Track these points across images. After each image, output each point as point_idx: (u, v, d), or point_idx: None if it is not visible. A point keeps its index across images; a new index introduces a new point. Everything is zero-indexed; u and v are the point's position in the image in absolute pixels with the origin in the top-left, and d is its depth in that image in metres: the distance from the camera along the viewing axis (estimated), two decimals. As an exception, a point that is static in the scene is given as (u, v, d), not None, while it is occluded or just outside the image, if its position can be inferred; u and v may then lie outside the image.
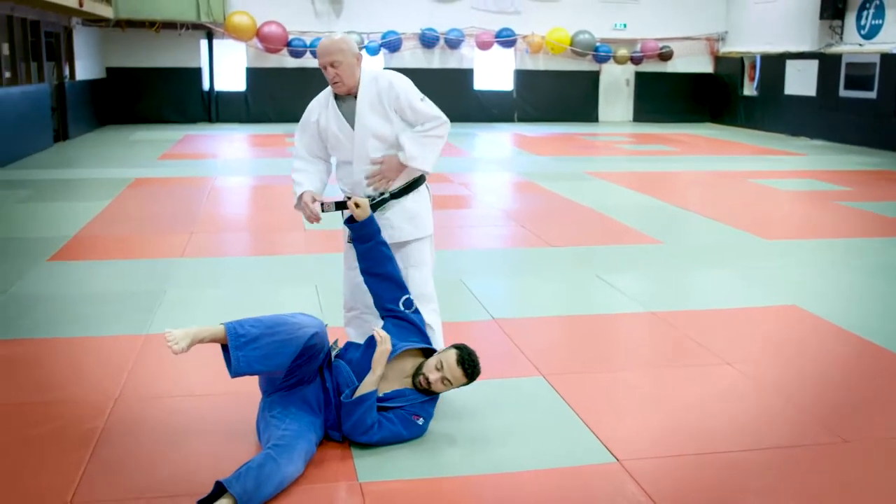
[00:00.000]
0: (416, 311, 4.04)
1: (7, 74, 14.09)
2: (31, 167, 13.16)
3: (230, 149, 16.45)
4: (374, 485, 3.44)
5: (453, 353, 3.78)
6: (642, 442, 3.84)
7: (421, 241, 4.25)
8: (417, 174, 4.21)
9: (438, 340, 4.28)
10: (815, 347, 5.26)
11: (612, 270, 6.96)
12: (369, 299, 4.17)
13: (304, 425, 3.54)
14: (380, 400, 3.72)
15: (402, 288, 4.02)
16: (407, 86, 4.11)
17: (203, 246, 7.82)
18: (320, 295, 6.18)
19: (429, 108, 4.13)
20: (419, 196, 4.26)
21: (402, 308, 3.99)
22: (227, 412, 4.11)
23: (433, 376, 3.74)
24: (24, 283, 6.50)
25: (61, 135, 16.95)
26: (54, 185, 11.45)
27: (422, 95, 4.15)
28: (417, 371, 3.82)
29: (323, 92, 4.26)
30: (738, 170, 13.70)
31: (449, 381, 3.76)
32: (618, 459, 3.65)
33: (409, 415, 3.76)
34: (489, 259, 7.55)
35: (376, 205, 4.12)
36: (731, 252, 7.83)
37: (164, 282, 6.51)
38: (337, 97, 4.16)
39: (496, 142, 18.44)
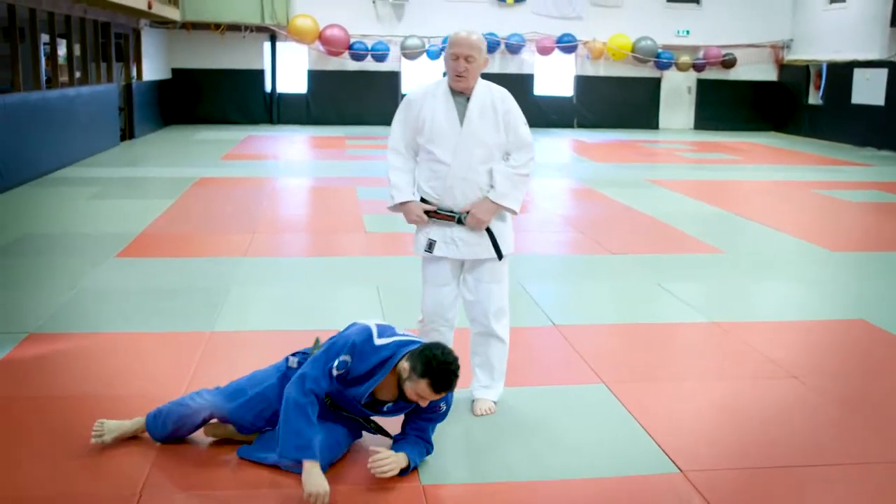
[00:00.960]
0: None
1: (78, 74, 14.47)
2: (98, 165, 13.48)
3: (291, 150, 16.66)
4: (436, 488, 3.46)
5: (424, 385, 3.38)
6: (706, 453, 3.80)
7: (506, 258, 4.17)
8: None
9: (503, 356, 4.27)
10: (885, 363, 5.15)
11: (674, 279, 6.90)
12: (451, 314, 4.21)
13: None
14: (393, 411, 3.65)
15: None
16: (516, 106, 4.06)
17: (265, 246, 7.94)
18: (381, 296, 6.23)
19: (528, 136, 4.06)
20: (503, 214, 4.15)
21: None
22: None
23: (420, 401, 3.48)
24: (94, 277, 6.66)
25: (128, 134, 17.34)
26: (121, 183, 11.72)
27: (524, 120, 4.08)
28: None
29: (431, 84, 4.13)
30: (802, 179, 13.47)
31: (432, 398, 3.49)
32: (681, 470, 3.62)
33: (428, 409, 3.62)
34: (550, 265, 7.53)
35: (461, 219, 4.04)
36: (795, 263, 7.71)
37: (228, 280, 6.62)
38: (452, 93, 4.04)
39: (555, 148, 18.37)
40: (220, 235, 8.37)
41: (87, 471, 3.55)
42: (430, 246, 4.09)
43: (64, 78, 14.27)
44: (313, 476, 3.29)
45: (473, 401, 4.23)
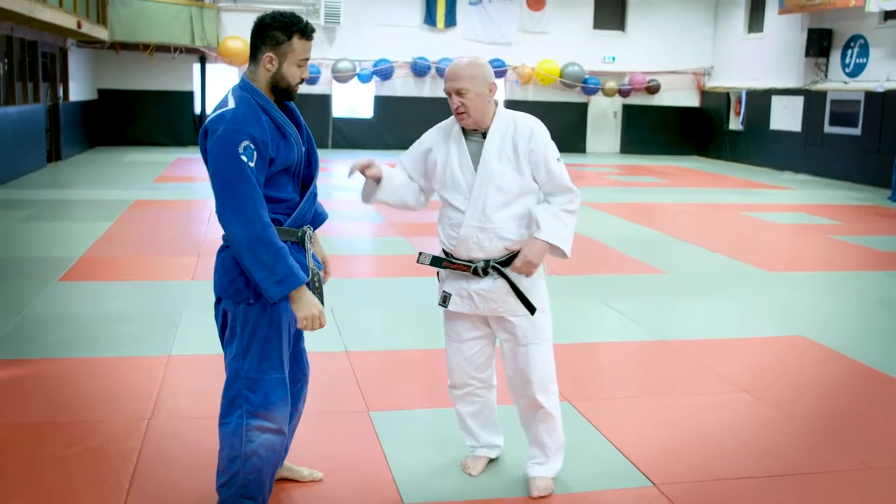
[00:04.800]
0: None
1: (3, 94, 14.11)
2: (27, 187, 13.16)
3: (224, 172, 16.45)
4: (417, 506, 3.51)
5: (297, 41, 3.11)
6: (676, 466, 3.93)
7: (540, 315, 3.59)
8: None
9: (555, 430, 3.70)
10: (827, 376, 5.39)
11: (620, 298, 7.08)
12: (485, 373, 3.73)
13: None
14: None
15: None
16: (548, 139, 3.48)
17: (212, 269, 7.84)
18: (336, 318, 6.23)
19: (564, 175, 3.49)
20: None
21: None
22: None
23: (302, 72, 3.19)
24: (39, 302, 6.52)
25: (54, 155, 16.94)
26: (54, 206, 11.45)
27: (559, 154, 3.51)
28: None
29: (448, 121, 3.61)
30: (729, 202, 13.93)
31: None
32: (654, 483, 3.73)
33: None
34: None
35: (490, 268, 3.50)
36: (734, 283, 7.97)
37: (179, 303, 6.55)
38: (465, 132, 3.53)
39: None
40: (164, 258, 8.27)
41: (59, 496, 3.49)
42: (444, 300, 3.59)
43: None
44: (304, 300, 3.07)
45: (529, 479, 3.68)
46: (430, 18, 21.92)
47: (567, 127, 23.33)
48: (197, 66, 21.16)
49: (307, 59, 3.15)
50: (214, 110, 3.10)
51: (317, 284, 3.21)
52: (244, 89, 3.12)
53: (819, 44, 18.87)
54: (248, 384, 3.12)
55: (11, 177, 13.71)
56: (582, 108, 23.46)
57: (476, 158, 3.48)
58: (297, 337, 3.40)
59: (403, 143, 19.35)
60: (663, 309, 6.99)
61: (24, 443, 4.02)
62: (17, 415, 4.39)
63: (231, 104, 3.06)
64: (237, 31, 20.49)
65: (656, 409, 4.69)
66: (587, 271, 8.18)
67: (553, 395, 3.66)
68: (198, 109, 21.38)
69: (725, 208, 13.24)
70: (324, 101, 21.68)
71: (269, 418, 3.14)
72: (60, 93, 17.62)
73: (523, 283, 3.50)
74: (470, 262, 3.50)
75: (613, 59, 23.09)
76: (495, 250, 3.47)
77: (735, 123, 22.42)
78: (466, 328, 3.64)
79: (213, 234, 9.72)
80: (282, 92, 3.14)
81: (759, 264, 8.72)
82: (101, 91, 20.65)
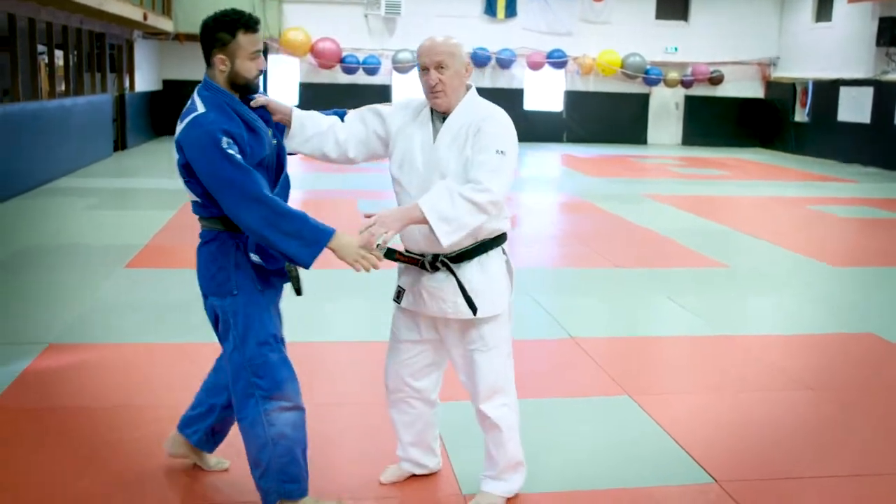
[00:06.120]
0: None
1: (73, 85, 14.44)
2: (94, 175, 13.44)
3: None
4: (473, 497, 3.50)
5: (242, 36, 3.11)
6: (737, 463, 3.86)
7: (492, 320, 3.26)
8: (487, 235, 3.21)
9: (502, 444, 3.37)
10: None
11: (683, 293, 6.98)
12: (421, 383, 3.44)
13: None
14: None
15: None
16: (503, 130, 3.14)
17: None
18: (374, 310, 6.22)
19: (496, 166, 3.06)
20: (489, 262, 3.24)
21: None
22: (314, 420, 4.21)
23: (258, 64, 3.17)
24: (107, 289, 6.66)
25: (120, 144, 17.29)
26: (119, 194, 11.70)
27: (504, 149, 3.10)
28: None
29: (418, 101, 3.34)
30: (794, 195, 13.65)
31: None
32: (716, 480, 3.68)
33: None
34: (560, 278, 7.60)
35: (439, 263, 3.20)
36: (798, 278, 7.81)
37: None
38: (433, 115, 3.25)
39: (545, 161, 18.51)
40: (226, 247, 8.37)
41: (127, 478, 3.57)
42: (398, 295, 3.34)
43: (61, 88, 14.23)
44: (344, 247, 3.00)
45: (479, 491, 3.45)
46: (490, 9, 21.84)
47: (628, 118, 23.14)
48: (259, 57, 21.36)
49: (259, 51, 3.13)
50: (184, 116, 3.09)
51: (294, 273, 3.24)
52: (208, 89, 3.13)
53: (890, 33, 18.32)
54: (253, 371, 3.15)
55: (79, 165, 14.03)
56: (643, 100, 23.18)
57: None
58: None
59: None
60: (726, 303, 6.87)
61: (91, 426, 4.12)
62: (85, 399, 4.50)
63: (200, 108, 3.07)
64: (299, 22, 20.67)
65: (717, 405, 4.62)
66: (648, 264, 8.09)
67: (501, 407, 3.32)
68: (260, 100, 21.58)
69: (790, 201, 12.98)
70: (384, 91, 21.74)
71: (283, 398, 3.16)
72: (127, 83, 17.98)
73: (473, 284, 3.18)
74: (421, 255, 3.22)
75: (676, 49, 22.75)
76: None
77: (801, 115, 21.93)
78: (407, 328, 3.38)
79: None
80: (242, 88, 3.15)
81: (824, 259, 8.52)
82: (165, 81, 21.00)
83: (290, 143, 3.38)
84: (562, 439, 4.10)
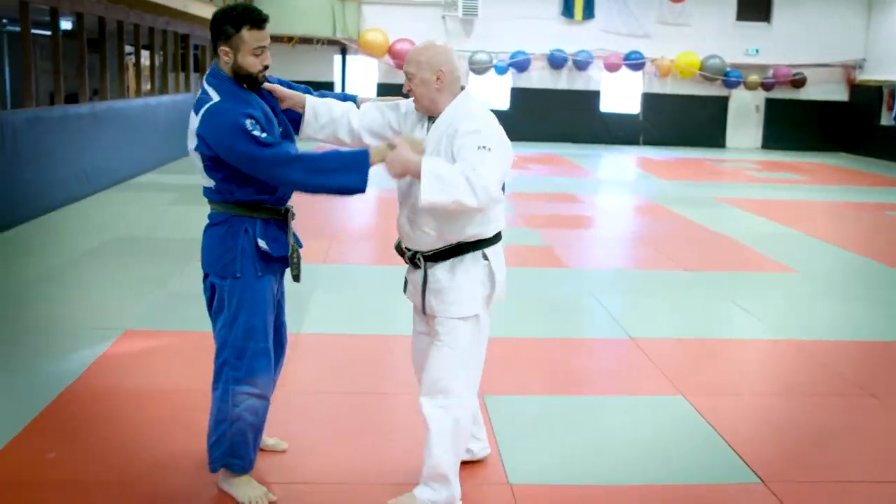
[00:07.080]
0: None
1: (158, 84, 14.95)
2: (177, 172, 13.90)
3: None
4: (523, 488, 3.60)
5: (246, 32, 3.22)
6: (787, 465, 3.88)
7: (456, 321, 3.28)
8: (464, 238, 3.25)
9: (443, 450, 3.28)
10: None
11: (748, 297, 6.93)
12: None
13: None
14: None
15: None
16: (477, 128, 3.13)
17: (342, 253, 8.18)
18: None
19: (477, 160, 3.05)
20: (462, 267, 3.27)
21: None
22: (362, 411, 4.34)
23: (263, 59, 3.29)
24: (179, 280, 6.94)
25: (203, 142, 17.79)
26: (198, 190, 11.92)
27: (487, 145, 3.08)
28: None
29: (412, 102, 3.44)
30: (873, 201, 13.33)
31: None
32: (762, 481, 3.70)
33: None
34: (623, 279, 7.62)
35: (417, 259, 3.34)
36: (869, 284, 7.68)
37: (310, 285, 6.82)
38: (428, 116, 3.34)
39: (621, 164, 18.42)
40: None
41: (185, 452, 3.79)
42: (405, 286, 3.53)
43: (146, 87, 14.75)
44: (380, 151, 3.17)
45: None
46: (567, 11, 21.80)
47: (706, 121, 22.81)
48: (338, 58, 21.76)
49: (263, 47, 3.24)
50: (198, 107, 3.21)
51: (295, 260, 3.42)
52: (217, 77, 3.26)
53: (982, 35, 17.75)
54: (234, 353, 3.35)
55: (163, 162, 14.51)
56: (722, 102, 22.83)
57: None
58: (280, 309, 3.63)
59: (540, 136, 19.58)
60: (791, 308, 6.81)
61: (159, 408, 4.35)
62: (158, 381, 4.74)
63: (214, 97, 3.20)
64: (377, 23, 20.96)
65: (774, 409, 4.62)
66: (716, 268, 8.04)
67: (437, 408, 3.27)
68: (338, 100, 21.98)
69: (867, 207, 12.68)
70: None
71: (253, 384, 3.37)
72: (210, 83, 18.50)
73: (440, 284, 3.27)
74: (408, 249, 3.39)
75: (757, 51, 22.36)
76: (421, 242, 3.28)
77: (887, 119, 21.33)
78: (417, 321, 3.58)
79: (347, 219, 10.07)
80: (245, 79, 3.27)
81: (898, 266, 8.36)
82: (247, 81, 21.51)
83: (304, 132, 3.53)
84: (611, 435, 4.17)
